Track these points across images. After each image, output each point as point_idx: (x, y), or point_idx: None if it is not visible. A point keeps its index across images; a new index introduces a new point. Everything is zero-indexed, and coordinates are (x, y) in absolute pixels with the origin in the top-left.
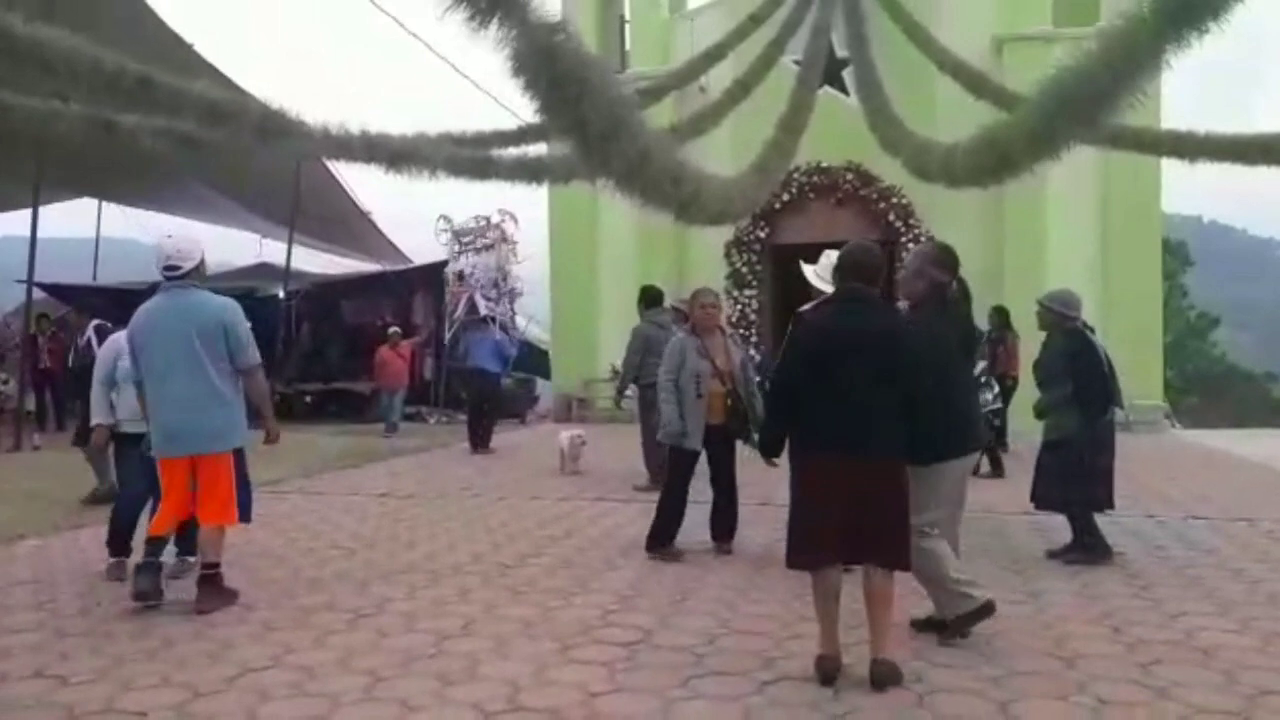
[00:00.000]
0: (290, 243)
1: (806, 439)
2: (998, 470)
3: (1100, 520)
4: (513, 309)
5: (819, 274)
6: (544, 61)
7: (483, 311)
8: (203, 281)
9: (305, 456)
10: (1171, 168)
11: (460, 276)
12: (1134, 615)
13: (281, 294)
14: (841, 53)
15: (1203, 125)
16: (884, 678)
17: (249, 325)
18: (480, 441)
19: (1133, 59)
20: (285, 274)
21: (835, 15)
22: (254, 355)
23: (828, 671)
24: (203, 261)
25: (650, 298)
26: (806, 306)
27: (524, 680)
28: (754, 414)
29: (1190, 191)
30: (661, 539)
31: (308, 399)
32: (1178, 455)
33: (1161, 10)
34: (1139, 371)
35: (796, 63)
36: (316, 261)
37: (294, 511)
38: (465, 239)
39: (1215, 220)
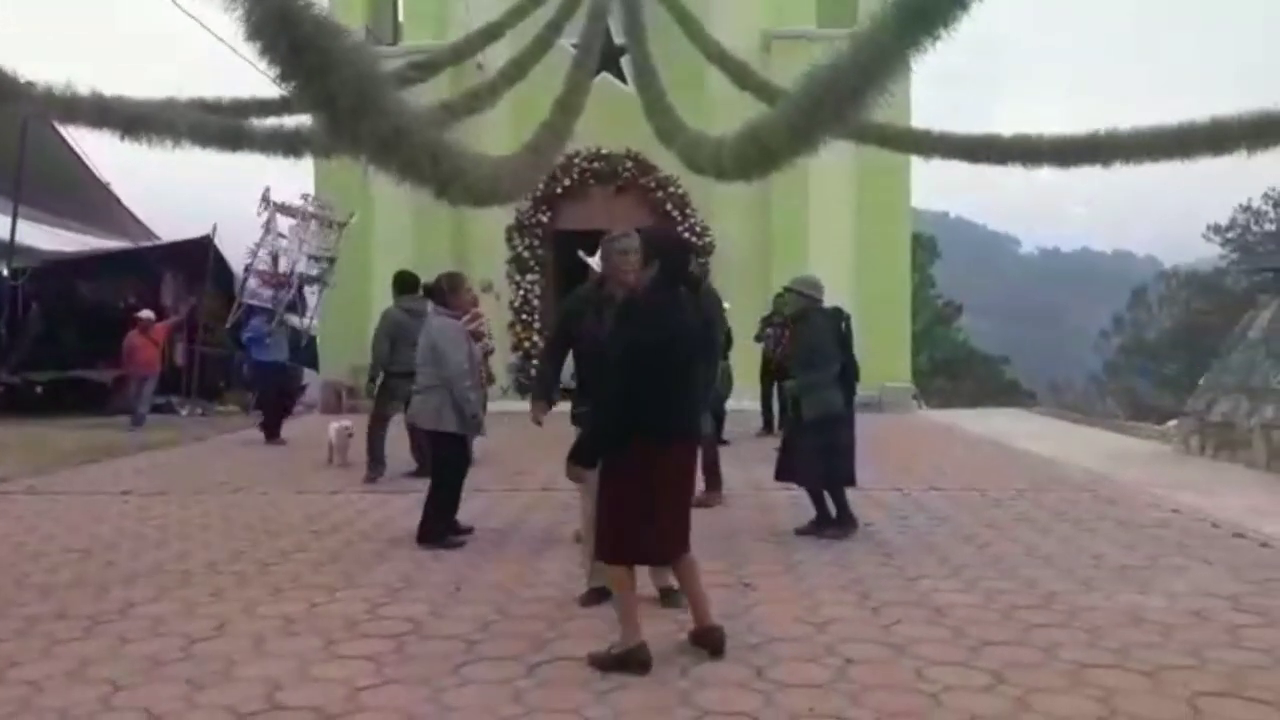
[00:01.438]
0: (15, 215)
1: (659, 430)
2: None
3: (852, 494)
4: (294, 295)
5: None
6: (281, 27)
7: (244, 299)
8: None
9: (36, 452)
10: (924, 167)
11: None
12: (879, 581)
13: (5, 272)
14: (620, 40)
15: (952, 128)
16: (722, 642)
17: None
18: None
19: (877, 60)
20: (9, 250)
21: (612, 1)
22: None
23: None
24: None
25: (405, 283)
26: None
27: (284, 679)
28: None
29: (938, 189)
30: (439, 529)
31: (39, 389)
32: (923, 433)
33: (900, 16)
34: (890, 356)
35: (575, 46)
36: (48, 237)
37: (22, 513)
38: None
39: (960, 216)
